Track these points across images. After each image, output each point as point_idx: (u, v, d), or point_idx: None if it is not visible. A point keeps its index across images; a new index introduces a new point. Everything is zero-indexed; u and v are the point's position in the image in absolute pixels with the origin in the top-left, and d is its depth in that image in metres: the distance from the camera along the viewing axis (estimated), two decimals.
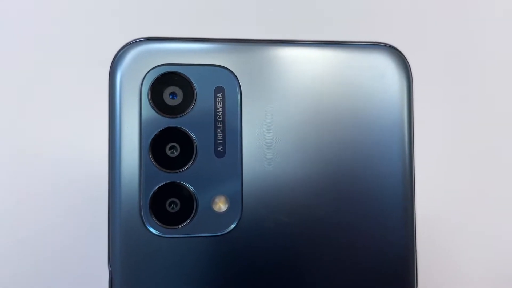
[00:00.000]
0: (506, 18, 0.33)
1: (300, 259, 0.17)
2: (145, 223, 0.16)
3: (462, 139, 0.33)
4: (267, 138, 0.17)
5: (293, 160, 0.17)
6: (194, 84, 0.16)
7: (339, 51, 0.17)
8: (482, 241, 0.33)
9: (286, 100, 0.17)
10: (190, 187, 0.16)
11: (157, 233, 0.16)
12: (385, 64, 0.17)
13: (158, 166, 0.16)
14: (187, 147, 0.16)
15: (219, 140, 0.16)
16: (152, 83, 0.16)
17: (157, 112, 0.16)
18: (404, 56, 0.18)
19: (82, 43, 0.29)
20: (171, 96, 0.16)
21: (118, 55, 0.16)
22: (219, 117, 0.16)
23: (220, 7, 0.29)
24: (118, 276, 0.16)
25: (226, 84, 0.16)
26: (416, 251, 0.17)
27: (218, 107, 0.16)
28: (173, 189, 0.16)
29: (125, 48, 0.16)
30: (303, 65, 0.17)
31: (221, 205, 0.16)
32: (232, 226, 0.16)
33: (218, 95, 0.16)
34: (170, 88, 0.16)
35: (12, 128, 0.28)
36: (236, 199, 0.16)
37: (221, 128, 0.16)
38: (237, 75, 0.16)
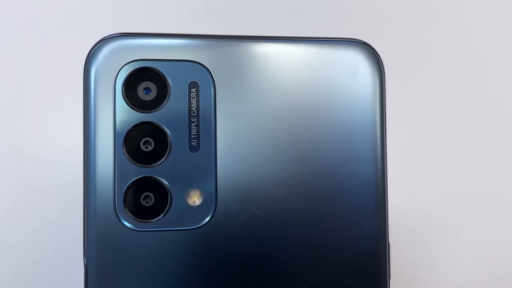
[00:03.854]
0: (482, 16, 0.34)
1: (273, 252, 0.17)
2: (120, 217, 0.16)
3: (440, 134, 0.34)
4: (242, 133, 0.17)
5: (267, 155, 0.17)
6: (168, 79, 0.16)
7: (312, 47, 0.18)
8: (459, 234, 0.34)
9: (260, 96, 0.17)
10: (164, 181, 0.16)
11: (131, 227, 0.16)
12: (357, 60, 0.18)
13: (132, 161, 0.16)
14: (161, 142, 0.16)
15: (193, 135, 0.16)
16: (126, 78, 0.16)
17: (131, 107, 0.16)
18: (377, 52, 0.18)
19: (57, 42, 0.30)
20: (145, 91, 0.16)
21: (92, 51, 0.16)
22: (193, 112, 0.16)
23: (193, 7, 0.30)
24: (93, 269, 0.16)
25: (200, 79, 0.16)
26: (388, 243, 0.18)
27: (192, 102, 0.16)
28: (147, 184, 0.16)
29: (99, 44, 0.16)
30: (276, 61, 0.17)
31: (195, 199, 0.17)
32: (206, 219, 0.16)
33: (192, 90, 0.16)
34: (144, 83, 0.16)
35: None
36: (210, 193, 0.16)
37: (195, 123, 0.16)
38: (211, 71, 0.17)
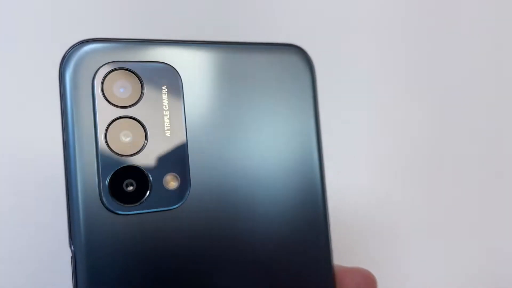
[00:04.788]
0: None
1: (243, 227, 0.20)
2: (105, 203, 0.18)
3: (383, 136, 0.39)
4: (205, 122, 0.20)
5: (226, 142, 0.20)
6: (142, 78, 0.18)
7: (254, 51, 0.21)
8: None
9: (217, 92, 0.20)
10: (144, 169, 0.18)
11: (118, 212, 0.18)
12: (292, 62, 0.21)
13: (114, 152, 0.18)
14: (139, 134, 0.18)
15: (167, 126, 0.19)
16: (103, 78, 0.18)
17: (109, 104, 0.18)
18: (308, 54, 0.22)
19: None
20: (121, 90, 0.18)
21: (68, 54, 0.18)
22: (165, 107, 0.19)
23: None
24: (82, 255, 0.17)
25: (169, 78, 0.19)
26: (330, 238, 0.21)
27: (163, 98, 0.19)
28: (128, 172, 0.18)
29: (75, 48, 0.18)
30: (229, 62, 0.20)
31: (172, 183, 0.19)
32: (183, 200, 0.19)
33: (163, 87, 0.19)
34: (120, 82, 0.18)
35: None
36: (184, 176, 0.19)
37: (168, 116, 0.19)
38: (178, 70, 0.19)
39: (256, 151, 0.20)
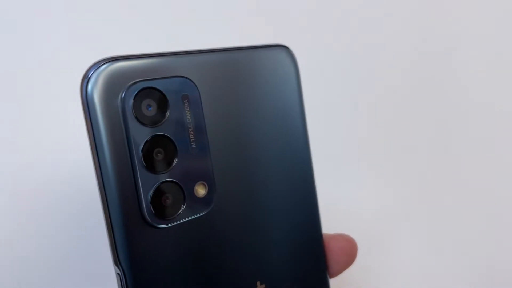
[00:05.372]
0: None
1: (261, 223, 0.22)
2: (149, 220, 0.18)
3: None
4: (220, 128, 0.21)
5: (242, 146, 0.22)
6: (166, 95, 0.19)
7: (250, 53, 0.22)
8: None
9: (227, 98, 0.21)
10: (178, 182, 0.19)
11: (161, 226, 0.19)
12: (281, 59, 0.23)
13: (150, 170, 0.18)
14: (170, 149, 0.19)
15: (191, 138, 0.20)
16: (133, 99, 0.18)
17: (141, 124, 0.18)
18: (292, 52, 0.24)
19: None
20: (149, 109, 0.18)
21: (92, 73, 0.17)
22: (189, 120, 0.20)
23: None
24: (131, 274, 0.18)
25: (189, 91, 0.20)
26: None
27: (186, 111, 0.19)
28: (165, 187, 0.19)
29: (98, 67, 0.18)
30: (231, 67, 0.21)
31: (201, 191, 0.20)
32: (212, 205, 0.20)
33: (185, 101, 0.19)
34: (146, 101, 0.18)
35: None
36: (211, 183, 0.20)
37: (191, 128, 0.20)
38: (195, 83, 0.20)
39: (261, 149, 0.22)
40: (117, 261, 0.18)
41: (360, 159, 0.45)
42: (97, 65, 0.18)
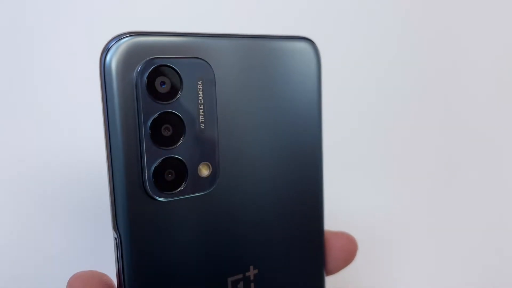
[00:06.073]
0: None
1: (259, 206, 0.23)
2: (149, 192, 0.19)
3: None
4: (233, 114, 0.21)
5: (252, 132, 0.22)
6: (181, 74, 0.19)
7: (273, 42, 0.23)
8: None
9: (245, 84, 0.21)
10: (182, 159, 0.20)
11: (160, 199, 0.19)
12: (304, 52, 0.23)
13: (156, 145, 0.19)
14: (178, 127, 0.20)
15: (201, 119, 0.20)
16: (148, 74, 0.19)
17: (152, 100, 0.19)
18: (316, 46, 0.24)
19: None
20: (161, 85, 0.19)
21: (112, 45, 0.18)
22: (200, 101, 0.20)
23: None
24: (127, 239, 0.19)
25: (203, 73, 0.20)
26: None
27: (199, 93, 0.20)
28: (169, 162, 0.20)
29: (115, 41, 0.18)
30: (251, 55, 0.22)
31: (204, 171, 0.21)
32: (214, 186, 0.21)
33: (198, 82, 0.20)
34: (160, 78, 0.19)
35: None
36: (215, 165, 0.21)
37: (202, 110, 0.20)
38: (211, 65, 0.20)
39: (271, 139, 0.23)
40: (115, 226, 0.19)
41: (371, 164, 0.45)
42: (118, 37, 0.18)
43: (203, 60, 0.20)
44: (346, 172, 0.43)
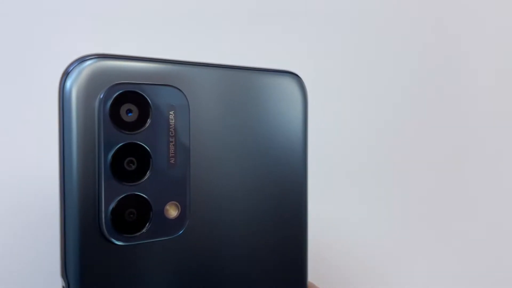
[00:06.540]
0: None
1: (239, 252, 0.20)
2: (105, 234, 0.17)
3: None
4: (208, 149, 0.19)
5: (228, 170, 0.20)
6: (151, 102, 0.17)
7: (259, 75, 0.21)
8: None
9: (222, 117, 0.20)
10: (146, 197, 0.18)
11: (118, 243, 0.17)
12: (290, 87, 0.22)
13: (117, 180, 0.17)
14: (144, 161, 0.17)
15: (171, 153, 0.18)
16: (113, 100, 0.17)
17: (116, 129, 0.17)
18: (302, 81, 0.22)
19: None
20: (127, 113, 0.17)
21: (72, 69, 0.16)
22: (172, 133, 0.18)
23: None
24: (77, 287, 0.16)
25: (177, 103, 0.18)
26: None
27: (170, 123, 0.18)
28: (131, 200, 0.17)
29: (80, 63, 0.16)
30: (231, 86, 0.20)
31: (172, 212, 0.18)
32: (182, 229, 0.18)
33: (170, 112, 0.18)
34: (127, 105, 0.17)
35: None
36: (184, 206, 0.18)
37: (173, 143, 0.18)
38: (186, 95, 0.18)
39: (252, 179, 0.20)
40: (63, 272, 0.17)
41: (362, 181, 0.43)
42: (80, 60, 0.17)
43: (177, 88, 0.18)
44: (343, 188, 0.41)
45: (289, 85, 0.22)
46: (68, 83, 0.16)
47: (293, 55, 0.39)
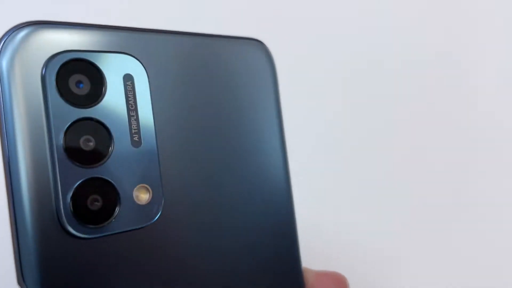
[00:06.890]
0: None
1: (219, 238, 0.18)
2: (66, 227, 0.14)
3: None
4: (174, 122, 0.17)
5: (200, 143, 0.18)
6: (103, 71, 0.15)
7: (218, 43, 0.19)
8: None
9: (185, 87, 0.18)
10: (111, 180, 0.15)
11: (83, 236, 0.14)
12: (254, 55, 0.20)
13: (74, 162, 0.14)
14: (103, 139, 0.15)
15: (134, 129, 0.16)
16: (58, 71, 0.14)
17: (66, 104, 0.15)
18: (268, 49, 0.21)
19: None
20: (78, 85, 0.15)
21: (6, 40, 0.14)
22: (131, 106, 0.16)
23: None
24: None
25: (134, 72, 0.16)
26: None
27: (129, 95, 0.16)
28: (93, 185, 0.15)
29: (15, 32, 0.14)
30: (195, 54, 0.18)
31: (142, 196, 0.16)
32: (157, 216, 0.16)
33: (127, 83, 0.16)
34: (76, 76, 0.15)
35: None
36: (157, 188, 0.16)
37: (135, 117, 0.16)
38: (143, 64, 0.16)
39: (225, 152, 0.18)
40: (20, 278, 0.14)
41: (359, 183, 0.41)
42: (14, 29, 0.14)
43: (133, 56, 0.16)
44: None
45: (253, 53, 0.20)
46: (3, 60, 0.14)
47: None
